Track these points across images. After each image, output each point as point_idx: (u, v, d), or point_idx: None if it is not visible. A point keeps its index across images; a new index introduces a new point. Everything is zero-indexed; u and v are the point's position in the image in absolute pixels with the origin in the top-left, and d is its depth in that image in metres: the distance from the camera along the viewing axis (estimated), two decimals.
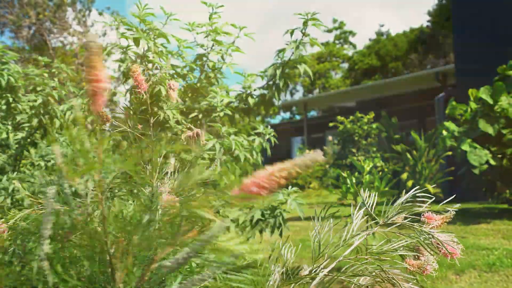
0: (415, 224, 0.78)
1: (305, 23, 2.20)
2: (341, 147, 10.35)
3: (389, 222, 0.79)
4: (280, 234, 2.18)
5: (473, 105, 5.44)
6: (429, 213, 0.79)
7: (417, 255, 0.77)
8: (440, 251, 0.74)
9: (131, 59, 2.06)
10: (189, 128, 1.02)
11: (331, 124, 10.81)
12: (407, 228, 0.79)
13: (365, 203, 0.83)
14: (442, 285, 2.79)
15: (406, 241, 0.77)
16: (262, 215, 2.13)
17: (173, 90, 1.14)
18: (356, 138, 9.95)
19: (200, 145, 1.01)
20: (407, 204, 0.80)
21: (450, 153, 6.47)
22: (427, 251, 0.74)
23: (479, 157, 4.92)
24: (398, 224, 0.80)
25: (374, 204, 0.84)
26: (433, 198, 0.81)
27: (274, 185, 0.49)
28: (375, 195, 0.84)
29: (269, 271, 0.79)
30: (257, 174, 0.50)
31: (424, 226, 0.77)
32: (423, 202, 0.81)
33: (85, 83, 0.56)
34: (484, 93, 5.18)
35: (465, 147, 5.02)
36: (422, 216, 0.79)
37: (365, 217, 0.83)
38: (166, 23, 2.16)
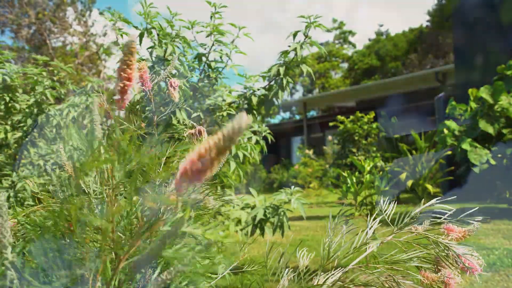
0: (432, 234, 0.74)
1: (308, 26, 2.22)
2: (341, 147, 10.34)
3: (403, 231, 0.76)
4: (282, 234, 2.18)
5: (473, 104, 5.44)
6: (450, 225, 0.75)
7: (437, 267, 0.72)
8: (459, 265, 0.70)
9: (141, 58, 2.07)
10: (192, 126, 1.01)
11: (331, 124, 10.81)
12: (423, 238, 0.75)
13: (383, 211, 0.79)
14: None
15: (421, 252, 0.73)
16: (264, 214, 2.13)
17: (174, 88, 1.08)
18: (356, 138, 9.94)
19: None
20: (423, 214, 0.76)
21: (450, 152, 6.47)
22: (446, 264, 0.70)
23: (480, 156, 4.92)
24: (414, 233, 0.76)
25: (392, 212, 0.79)
26: (452, 211, 0.76)
27: (210, 165, 0.44)
28: (394, 204, 0.80)
29: (275, 271, 0.77)
30: (188, 156, 0.45)
31: (442, 237, 0.73)
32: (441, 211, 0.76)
33: (116, 79, 0.56)
34: (484, 93, 5.18)
35: (465, 146, 5.01)
36: (441, 227, 0.75)
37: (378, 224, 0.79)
38: (172, 23, 2.16)
